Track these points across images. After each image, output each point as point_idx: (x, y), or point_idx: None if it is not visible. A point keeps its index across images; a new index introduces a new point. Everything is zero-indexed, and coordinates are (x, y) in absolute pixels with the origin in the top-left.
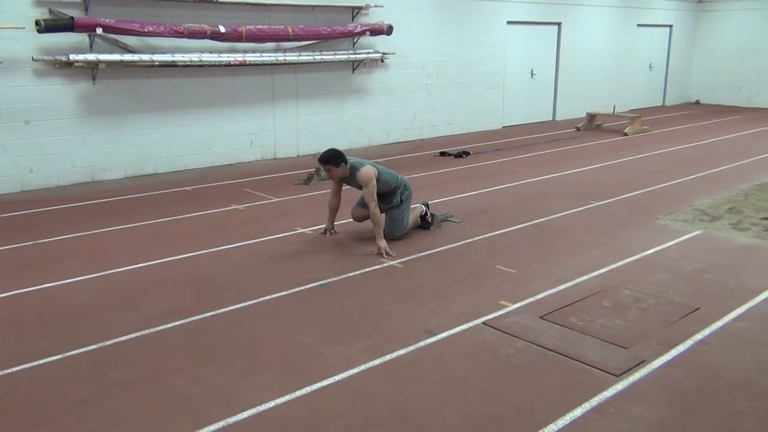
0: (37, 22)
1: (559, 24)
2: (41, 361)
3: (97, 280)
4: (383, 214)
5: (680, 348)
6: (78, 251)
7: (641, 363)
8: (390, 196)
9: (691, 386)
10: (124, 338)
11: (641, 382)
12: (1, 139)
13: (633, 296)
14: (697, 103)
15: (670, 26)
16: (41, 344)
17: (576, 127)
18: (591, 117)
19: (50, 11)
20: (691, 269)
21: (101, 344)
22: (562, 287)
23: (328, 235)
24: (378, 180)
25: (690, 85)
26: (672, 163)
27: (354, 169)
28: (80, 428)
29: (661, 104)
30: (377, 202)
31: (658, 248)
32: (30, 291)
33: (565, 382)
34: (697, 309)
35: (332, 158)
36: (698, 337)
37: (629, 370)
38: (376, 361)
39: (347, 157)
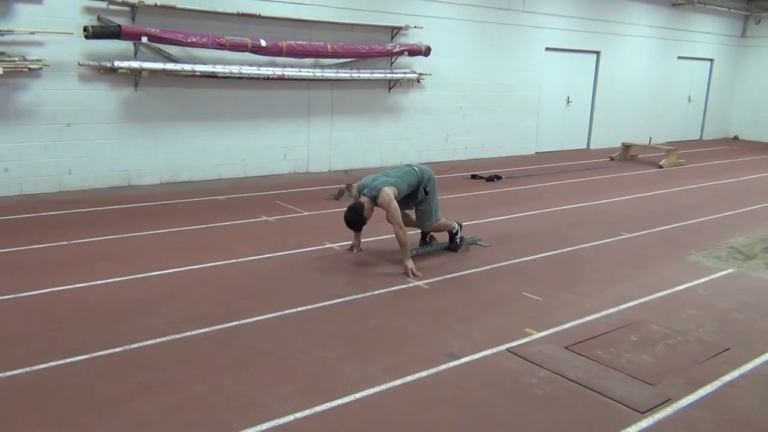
0: (85, 29)
1: (598, 53)
2: (68, 360)
3: (127, 283)
4: (411, 211)
5: (708, 388)
6: (110, 253)
7: (667, 401)
8: (415, 193)
9: (718, 429)
10: (149, 342)
11: (666, 420)
12: (43, 140)
13: (661, 332)
14: (736, 138)
15: (711, 60)
16: (69, 343)
17: (610, 157)
18: (626, 147)
19: (98, 18)
20: (722, 308)
21: (127, 347)
22: (589, 318)
23: (354, 251)
24: (399, 193)
25: (729, 120)
26: (707, 199)
27: (374, 198)
28: (102, 428)
29: (698, 138)
30: (406, 205)
31: (689, 284)
32: (62, 290)
33: (588, 415)
34: (727, 349)
35: (358, 222)
36: (727, 378)
37: (655, 407)
38: (398, 382)
39: (361, 185)
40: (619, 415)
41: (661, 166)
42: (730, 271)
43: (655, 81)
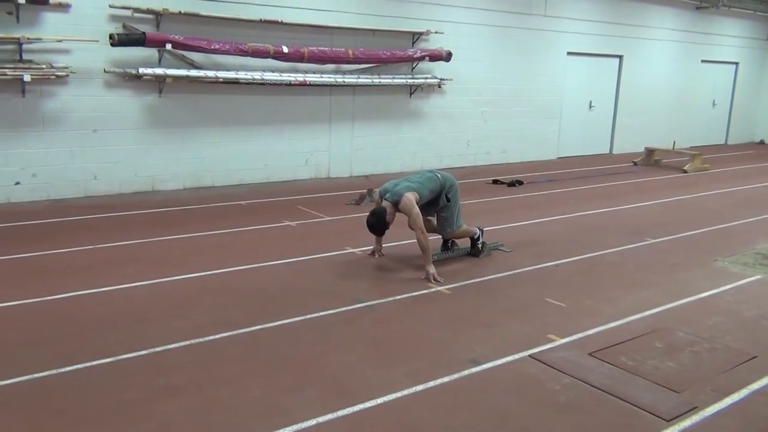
0: (111, 36)
1: (620, 57)
2: (94, 362)
3: (152, 287)
4: (432, 218)
5: (735, 397)
6: (136, 257)
7: (693, 409)
8: (437, 199)
9: None
10: (174, 345)
11: (692, 429)
12: (69, 145)
13: (687, 339)
14: (762, 143)
15: (736, 63)
16: (95, 345)
17: (634, 162)
18: (649, 152)
19: (124, 26)
20: (749, 315)
21: (152, 350)
22: (612, 324)
23: (376, 256)
24: (421, 199)
25: (755, 124)
26: (732, 204)
27: (396, 203)
28: (126, 430)
29: (723, 143)
30: (427, 212)
31: (715, 291)
32: (88, 293)
33: (612, 423)
34: (755, 357)
35: (380, 227)
36: (755, 386)
37: (680, 415)
38: (419, 387)
39: (383, 190)
40: (644, 423)
41: (685, 171)
42: (758, 277)
43: (679, 85)
